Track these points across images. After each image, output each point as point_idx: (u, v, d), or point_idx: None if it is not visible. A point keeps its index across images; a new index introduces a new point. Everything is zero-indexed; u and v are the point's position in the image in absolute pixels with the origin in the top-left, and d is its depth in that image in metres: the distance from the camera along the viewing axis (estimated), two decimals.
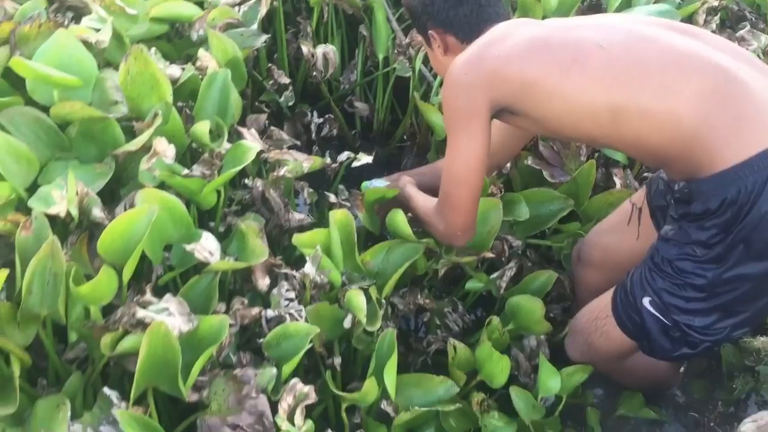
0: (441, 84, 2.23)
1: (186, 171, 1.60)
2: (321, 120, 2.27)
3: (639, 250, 1.58)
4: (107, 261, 1.35)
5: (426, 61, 2.31)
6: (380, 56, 2.42)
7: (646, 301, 1.44)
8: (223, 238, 1.76)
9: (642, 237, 1.60)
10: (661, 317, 1.43)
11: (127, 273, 1.36)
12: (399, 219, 1.64)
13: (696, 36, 1.43)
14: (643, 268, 1.46)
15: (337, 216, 1.57)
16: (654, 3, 2.23)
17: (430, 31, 1.62)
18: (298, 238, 1.54)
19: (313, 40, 2.35)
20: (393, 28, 2.40)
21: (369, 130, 2.55)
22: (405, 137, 2.40)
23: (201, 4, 2.17)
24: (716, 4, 2.31)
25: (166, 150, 1.59)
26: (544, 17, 2.17)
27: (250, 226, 1.55)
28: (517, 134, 1.73)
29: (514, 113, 1.45)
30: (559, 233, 1.89)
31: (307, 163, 1.77)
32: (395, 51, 2.38)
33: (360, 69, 2.48)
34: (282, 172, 1.73)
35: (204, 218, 1.76)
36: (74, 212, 1.44)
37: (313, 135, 2.28)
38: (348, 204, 1.88)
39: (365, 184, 1.93)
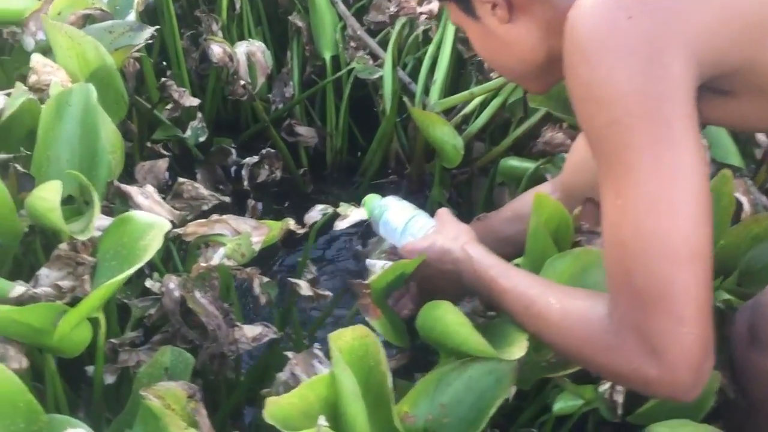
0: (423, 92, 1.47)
1: (21, 288, 0.78)
2: (256, 158, 1.47)
3: None
4: None
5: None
6: (326, 56, 1.66)
7: None
8: (115, 397, 0.95)
9: None
10: None
11: None
12: (449, 318, 0.87)
13: None
14: None
15: (344, 342, 0.78)
16: None
17: None
18: (272, 410, 0.73)
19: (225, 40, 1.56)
20: (340, 12, 1.64)
21: (320, 165, 1.76)
22: (389, 169, 1.62)
23: None
24: None
25: None
26: None
27: (171, 392, 0.74)
28: None
29: (726, 91, 0.72)
30: None
31: (257, 235, 0.97)
32: (348, 45, 1.62)
33: (297, 78, 1.71)
34: (216, 259, 0.92)
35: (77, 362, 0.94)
36: None
37: (245, 182, 1.48)
38: (327, 294, 1.11)
39: (371, 201, 1.14)
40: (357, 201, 1.33)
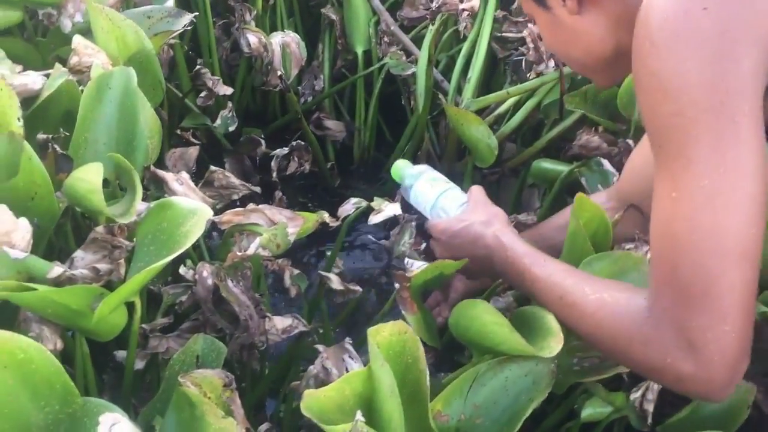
0: (456, 91, 1.46)
1: (59, 269, 0.78)
2: (286, 150, 1.46)
3: None
4: None
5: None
6: (358, 50, 1.65)
7: None
8: (141, 384, 0.95)
9: None
10: None
11: None
12: (486, 318, 0.86)
13: None
14: None
15: (382, 337, 0.77)
16: None
17: None
18: (309, 403, 0.72)
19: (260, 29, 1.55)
20: (375, 7, 1.63)
21: (347, 160, 1.75)
22: None
23: None
24: None
25: (12, 230, 0.77)
26: None
27: (207, 380, 0.73)
28: None
29: None
30: None
31: (293, 226, 0.97)
32: (381, 41, 1.61)
33: (328, 72, 1.70)
34: (252, 249, 0.92)
35: (104, 347, 0.93)
36: None
37: (274, 174, 1.47)
38: (357, 289, 1.10)
39: (403, 168, 1.12)
40: (384, 196, 1.32)
